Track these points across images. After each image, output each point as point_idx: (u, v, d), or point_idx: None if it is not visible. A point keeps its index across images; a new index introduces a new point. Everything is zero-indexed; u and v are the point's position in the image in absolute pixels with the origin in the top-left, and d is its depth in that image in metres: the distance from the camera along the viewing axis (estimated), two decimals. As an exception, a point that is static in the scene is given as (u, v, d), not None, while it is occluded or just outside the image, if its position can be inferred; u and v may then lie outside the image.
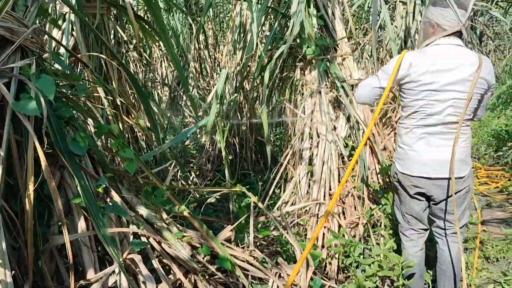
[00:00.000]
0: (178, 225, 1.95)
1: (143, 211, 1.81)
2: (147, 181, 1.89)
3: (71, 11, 2.92)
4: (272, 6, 4.02)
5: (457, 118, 2.16)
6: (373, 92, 2.32)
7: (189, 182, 3.92)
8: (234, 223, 2.43)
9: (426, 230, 2.49)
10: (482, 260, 3.36)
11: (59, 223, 1.59)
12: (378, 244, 3.17)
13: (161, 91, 5.92)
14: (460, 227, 2.32)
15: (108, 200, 1.69)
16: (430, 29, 2.21)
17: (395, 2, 5.11)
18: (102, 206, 1.61)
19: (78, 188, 1.53)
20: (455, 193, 2.23)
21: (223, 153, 2.55)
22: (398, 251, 3.16)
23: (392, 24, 5.29)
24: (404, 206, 2.45)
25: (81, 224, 1.63)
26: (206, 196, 3.22)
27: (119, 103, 3.24)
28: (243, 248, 2.31)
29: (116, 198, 1.70)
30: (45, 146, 1.43)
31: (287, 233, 2.34)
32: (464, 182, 2.24)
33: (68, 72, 1.67)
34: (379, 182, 3.69)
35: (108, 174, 1.69)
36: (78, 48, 3.10)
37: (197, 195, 3.63)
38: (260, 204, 2.33)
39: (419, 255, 2.50)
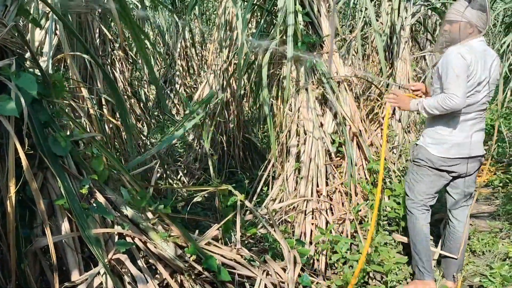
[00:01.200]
0: (164, 225, 1.95)
1: (128, 211, 1.80)
2: (133, 181, 1.88)
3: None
4: (257, 3, 4.01)
5: (485, 106, 2.60)
6: (466, 88, 2.48)
7: (177, 181, 3.91)
8: (221, 221, 2.43)
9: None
10: (468, 253, 3.40)
11: (43, 225, 1.57)
12: (365, 239, 3.19)
13: (147, 90, 5.88)
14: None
15: (92, 200, 1.68)
16: (469, 29, 2.52)
17: (380, -1, 5.14)
18: (86, 207, 1.60)
19: (61, 189, 1.51)
20: (478, 168, 2.75)
21: (208, 153, 2.54)
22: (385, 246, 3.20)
23: (378, 20, 5.33)
24: (423, 187, 2.79)
25: (65, 226, 1.61)
26: (194, 194, 3.21)
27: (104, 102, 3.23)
28: (230, 246, 2.31)
29: (100, 198, 1.69)
30: (26, 147, 1.41)
31: (274, 231, 2.35)
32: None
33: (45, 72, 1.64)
34: (366, 178, 3.72)
35: (92, 176, 1.68)
36: (62, 47, 3.07)
37: (185, 194, 3.61)
38: (247, 203, 2.33)
39: (428, 225, 2.85)
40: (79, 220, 1.51)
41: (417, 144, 2.83)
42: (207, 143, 2.52)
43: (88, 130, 2.79)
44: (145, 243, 1.75)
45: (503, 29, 5.97)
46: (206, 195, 3.82)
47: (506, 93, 5.70)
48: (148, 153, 2.12)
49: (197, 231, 2.16)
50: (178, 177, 4.27)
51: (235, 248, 2.21)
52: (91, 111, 2.96)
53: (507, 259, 3.23)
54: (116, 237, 1.73)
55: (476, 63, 2.45)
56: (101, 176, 1.71)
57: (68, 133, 1.86)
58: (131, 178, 1.80)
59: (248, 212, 3.37)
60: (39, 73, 1.62)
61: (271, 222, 2.45)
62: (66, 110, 1.99)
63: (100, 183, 1.73)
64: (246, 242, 3.02)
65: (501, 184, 4.52)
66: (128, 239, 1.73)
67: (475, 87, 2.49)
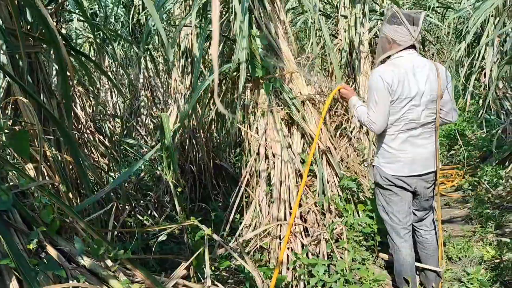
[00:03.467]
0: (128, 270, 1.84)
1: (85, 261, 1.69)
2: (88, 227, 1.77)
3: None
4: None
5: (432, 118, 2.54)
6: (387, 113, 2.52)
7: (147, 217, 3.77)
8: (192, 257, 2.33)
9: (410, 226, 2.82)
10: (445, 260, 3.40)
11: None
12: (342, 258, 3.14)
13: (112, 124, 5.75)
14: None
15: (43, 255, 1.56)
16: (387, 44, 2.57)
17: (337, 16, 5.23)
18: (35, 263, 1.48)
19: (5, 247, 1.40)
20: (434, 183, 2.68)
21: (172, 187, 2.46)
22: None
23: (336, 37, 5.42)
24: (394, 207, 2.72)
25: (13, 285, 1.49)
26: (159, 232, 3.09)
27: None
28: (202, 284, 2.21)
29: (52, 251, 1.57)
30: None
31: (246, 262, 2.26)
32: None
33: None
34: (339, 195, 3.69)
35: (40, 228, 1.57)
36: (12, 90, 2.95)
37: (157, 230, 3.48)
38: (214, 236, 2.25)
39: (413, 255, 2.79)
40: (27, 279, 1.40)
41: (373, 166, 2.80)
42: (170, 176, 2.43)
43: (46, 174, 2.66)
44: (105, 294, 1.64)
45: (455, 36, 6.18)
46: (179, 229, 3.70)
47: (467, 98, 5.86)
48: (102, 192, 2.02)
49: (163, 274, 2.05)
50: (149, 212, 4.13)
51: (206, 286, 2.11)
52: (48, 153, 2.83)
53: (483, 262, 3.24)
54: (73, 291, 1.61)
55: (401, 81, 2.44)
56: (51, 227, 1.60)
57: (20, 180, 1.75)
58: (86, 225, 1.70)
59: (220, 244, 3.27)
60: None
61: (242, 253, 2.37)
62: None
63: (50, 234, 1.62)
64: (221, 276, 2.92)
65: (470, 187, 4.57)
66: (87, 292, 1.62)
67: (407, 103, 2.48)
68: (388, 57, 2.64)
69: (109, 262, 1.75)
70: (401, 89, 2.45)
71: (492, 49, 6.32)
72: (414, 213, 2.83)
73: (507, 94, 6.95)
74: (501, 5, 4.86)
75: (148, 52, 6.50)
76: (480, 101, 6.90)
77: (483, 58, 6.33)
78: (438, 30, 7.61)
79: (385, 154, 2.65)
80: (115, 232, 3.05)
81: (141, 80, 6.20)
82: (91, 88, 4.76)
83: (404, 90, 2.45)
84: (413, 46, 2.53)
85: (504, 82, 6.85)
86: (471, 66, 6.54)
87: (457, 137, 5.91)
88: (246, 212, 3.63)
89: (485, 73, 6.48)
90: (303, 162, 3.60)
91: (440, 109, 2.55)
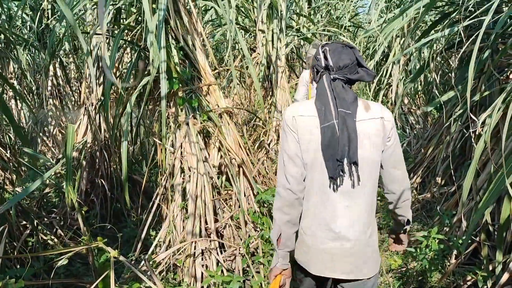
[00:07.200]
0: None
1: (-37, 295, 1.49)
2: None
3: None
4: (127, 39, 3.84)
5: None
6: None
7: (51, 236, 3.47)
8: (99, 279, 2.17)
9: None
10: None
11: None
12: (258, 273, 3.13)
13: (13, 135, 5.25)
14: None
15: None
16: (311, 61, 3.71)
17: (255, 30, 5.31)
18: None
19: None
20: None
21: (76, 206, 2.27)
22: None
23: (255, 51, 5.50)
24: None
25: None
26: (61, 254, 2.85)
27: None
28: (107, 309, 2.06)
29: None
30: None
31: (155, 284, 2.15)
32: None
33: None
34: (255, 209, 3.69)
35: None
36: None
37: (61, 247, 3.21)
38: (122, 258, 2.11)
39: None
40: None
41: None
42: (73, 194, 2.25)
43: None
44: (-14, 333, 1.45)
45: (365, 55, 6.58)
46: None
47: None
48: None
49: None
50: (54, 230, 3.81)
51: (110, 312, 1.97)
52: None
53: (390, 271, 3.41)
54: None
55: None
56: None
57: None
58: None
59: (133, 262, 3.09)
60: None
61: (151, 274, 2.25)
62: None
63: None
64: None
65: (379, 198, 4.83)
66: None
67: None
68: None
69: (-7, 295, 1.55)
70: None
71: (398, 67, 6.85)
72: None
73: (412, 110, 7.55)
74: (406, 26, 5.27)
75: (58, 59, 6.09)
76: (388, 116, 7.37)
77: (390, 75, 6.82)
78: (350, 48, 8.09)
79: None
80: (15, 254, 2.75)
81: (49, 88, 5.76)
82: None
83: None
84: None
85: (409, 98, 7.43)
86: (379, 83, 6.99)
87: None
88: (161, 228, 3.50)
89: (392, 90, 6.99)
90: (219, 176, 3.56)
91: None
